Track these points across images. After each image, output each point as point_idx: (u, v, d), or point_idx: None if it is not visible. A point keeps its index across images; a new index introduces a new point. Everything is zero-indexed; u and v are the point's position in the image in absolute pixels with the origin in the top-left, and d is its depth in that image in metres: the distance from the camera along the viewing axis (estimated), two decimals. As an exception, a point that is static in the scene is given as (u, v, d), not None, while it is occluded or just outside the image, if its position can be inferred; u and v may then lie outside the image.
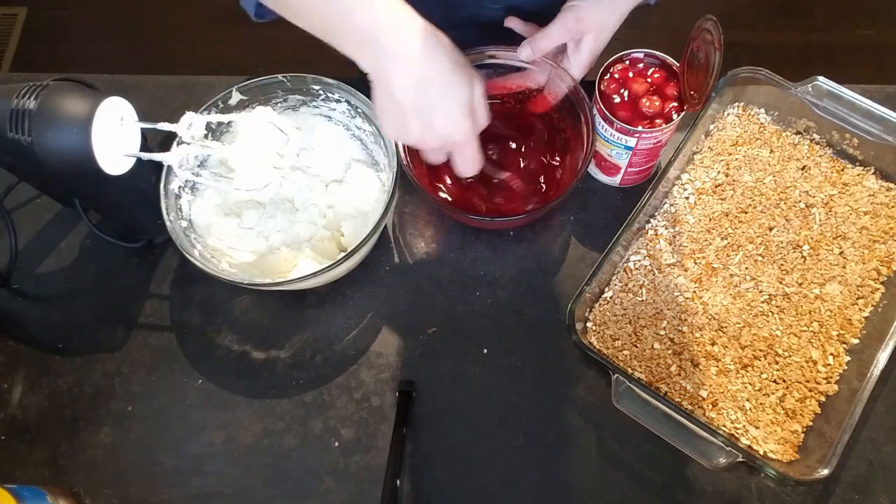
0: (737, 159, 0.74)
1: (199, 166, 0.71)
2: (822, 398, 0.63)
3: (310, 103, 0.74)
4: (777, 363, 0.64)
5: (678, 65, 0.68)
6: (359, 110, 0.71)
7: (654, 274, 0.69)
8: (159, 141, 0.77)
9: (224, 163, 0.71)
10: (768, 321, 0.66)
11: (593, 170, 0.76)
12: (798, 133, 0.75)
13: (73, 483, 0.65)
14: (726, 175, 0.73)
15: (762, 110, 0.76)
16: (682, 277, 0.68)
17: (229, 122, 0.71)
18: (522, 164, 0.72)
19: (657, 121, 0.67)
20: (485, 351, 0.69)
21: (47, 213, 0.77)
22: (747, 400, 0.63)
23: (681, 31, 0.71)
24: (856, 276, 0.67)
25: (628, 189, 0.76)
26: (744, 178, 0.73)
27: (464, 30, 0.68)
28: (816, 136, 0.74)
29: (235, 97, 0.70)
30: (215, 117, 0.67)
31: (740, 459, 0.58)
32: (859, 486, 0.62)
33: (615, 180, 0.75)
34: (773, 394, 0.63)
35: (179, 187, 0.69)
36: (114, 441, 0.67)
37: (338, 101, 0.72)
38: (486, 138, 0.72)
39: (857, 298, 0.67)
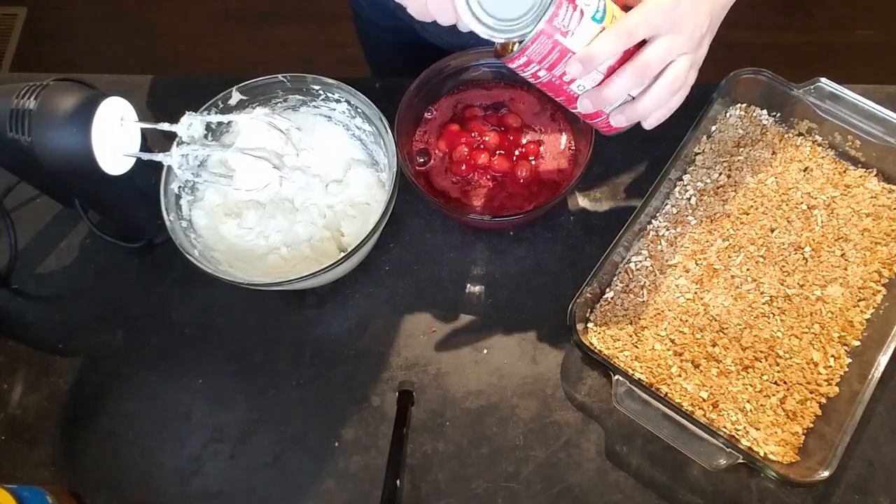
0: (739, 160, 0.73)
1: (199, 166, 0.70)
2: (823, 400, 0.63)
3: (310, 103, 0.74)
4: (778, 365, 0.64)
5: None
6: (359, 110, 0.71)
7: (655, 275, 0.69)
8: (159, 141, 0.77)
9: (224, 163, 0.71)
10: (769, 323, 0.66)
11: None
12: (800, 134, 0.75)
13: (73, 483, 0.65)
14: (728, 176, 0.73)
15: (764, 112, 0.76)
16: (684, 278, 0.68)
17: (229, 122, 0.71)
18: (521, 164, 0.72)
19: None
20: (485, 351, 0.69)
21: (47, 213, 0.77)
22: (748, 401, 0.63)
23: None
24: (857, 278, 0.67)
25: (630, 189, 0.76)
26: (746, 180, 0.72)
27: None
28: (819, 138, 0.74)
29: (235, 97, 0.70)
30: (215, 117, 0.67)
31: (741, 461, 0.58)
32: (859, 487, 0.62)
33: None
34: (773, 395, 0.63)
35: (179, 187, 0.69)
36: (114, 441, 0.67)
37: (338, 101, 0.72)
38: (485, 138, 0.72)
39: (859, 300, 0.67)
